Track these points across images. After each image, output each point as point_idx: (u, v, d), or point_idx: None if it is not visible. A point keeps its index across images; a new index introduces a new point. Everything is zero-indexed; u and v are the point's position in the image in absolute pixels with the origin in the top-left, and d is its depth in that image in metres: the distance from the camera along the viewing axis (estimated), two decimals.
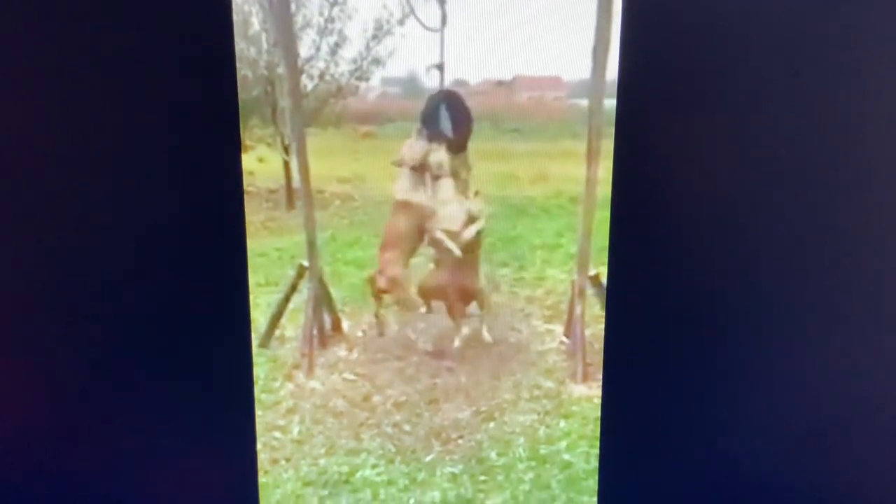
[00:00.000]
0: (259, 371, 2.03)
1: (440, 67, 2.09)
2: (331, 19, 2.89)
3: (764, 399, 0.89)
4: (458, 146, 2.15)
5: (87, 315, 0.84)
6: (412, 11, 2.19)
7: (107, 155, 0.80)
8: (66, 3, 0.76)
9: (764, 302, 0.86)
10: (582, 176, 2.08)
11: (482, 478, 1.65)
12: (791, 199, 0.82)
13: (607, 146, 2.07)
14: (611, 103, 2.22)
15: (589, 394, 1.95)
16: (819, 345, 0.86)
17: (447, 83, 2.17)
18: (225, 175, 0.83)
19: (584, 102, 2.25)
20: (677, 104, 0.82)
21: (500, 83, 2.83)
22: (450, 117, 2.11)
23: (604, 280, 2.14)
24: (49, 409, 0.88)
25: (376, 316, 2.19)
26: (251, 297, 0.90)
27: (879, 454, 0.88)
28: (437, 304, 2.21)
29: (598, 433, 1.77)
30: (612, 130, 0.87)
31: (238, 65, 0.85)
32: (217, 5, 0.79)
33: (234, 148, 0.83)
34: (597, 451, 1.70)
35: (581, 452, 1.71)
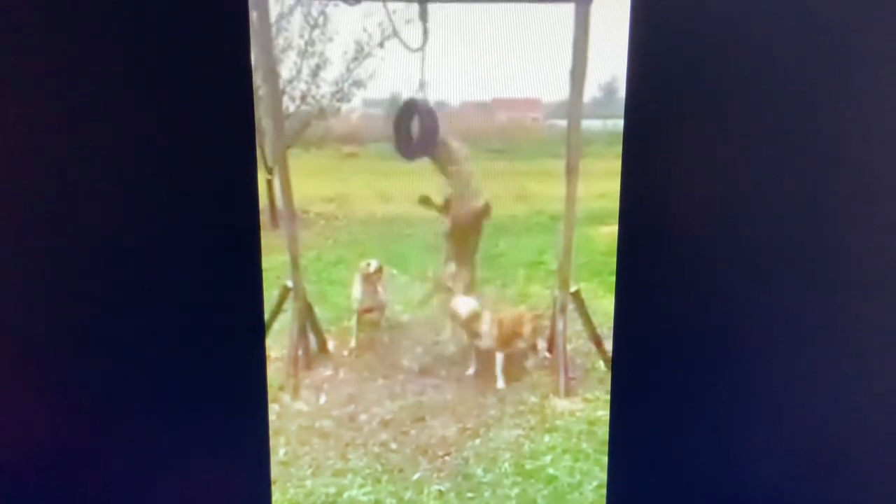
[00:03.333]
0: None
1: (422, 84, 2.16)
2: (311, 42, 2.93)
3: (777, 418, 0.88)
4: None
5: (104, 332, 0.85)
6: (395, 33, 2.25)
7: (124, 173, 0.81)
8: (97, 35, 0.78)
9: (776, 319, 0.85)
10: (562, 194, 2.13)
11: (469, 494, 1.66)
12: (800, 214, 0.82)
13: (585, 165, 2.12)
14: (588, 123, 2.28)
15: (572, 408, 1.98)
16: (836, 362, 0.85)
17: (432, 102, 2.23)
18: (240, 193, 0.84)
19: (563, 123, 2.31)
20: (684, 120, 0.82)
21: (479, 105, 2.88)
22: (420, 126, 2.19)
23: (584, 296, 2.19)
24: (63, 434, 0.88)
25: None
26: None
27: None
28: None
29: (581, 446, 1.80)
30: (591, 150, 0.88)
31: None
32: (234, 27, 0.80)
33: (250, 167, 0.84)
34: (581, 464, 1.73)
35: (565, 466, 1.73)
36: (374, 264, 2.32)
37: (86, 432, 0.89)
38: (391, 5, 2.21)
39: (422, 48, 2.11)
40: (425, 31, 2.09)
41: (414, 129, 2.20)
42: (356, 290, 2.35)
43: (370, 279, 2.32)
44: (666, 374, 0.92)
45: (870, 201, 0.82)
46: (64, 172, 0.82)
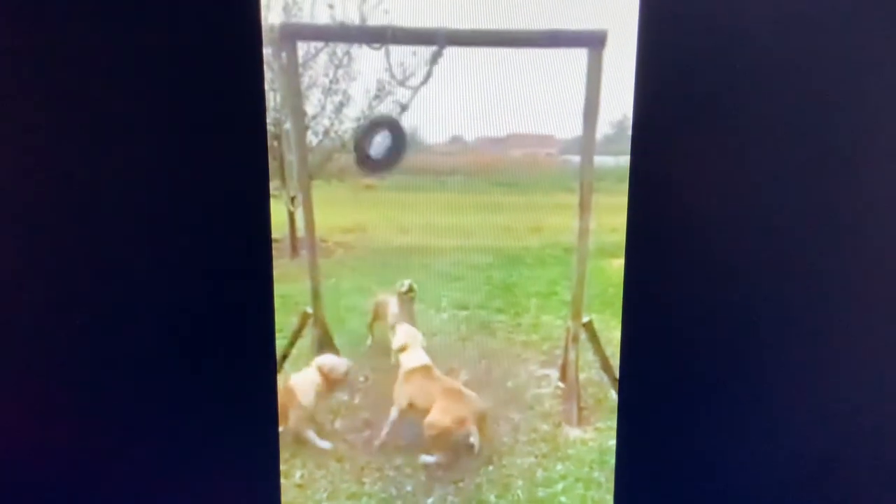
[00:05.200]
0: None
1: (403, 108, 2.28)
2: (335, 80, 3.07)
3: (787, 447, 0.88)
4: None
5: (112, 354, 0.87)
6: (393, 77, 2.37)
7: (137, 202, 0.84)
8: (111, 70, 0.82)
9: (785, 348, 0.86)
10: (574, 227, 2.19)
11: None
12: (809, 241, 0.83)
13: (597, 199, 2.19)
14: (600, 160, 2.36)
15: (584, 437, 1.99)
16: (855, 389, 0.85)
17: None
18: (253, 224, 0.88)
19: (576, 158, 2.39)
20: (689, 154, 0.85)
21: (495, 140, 2.98)
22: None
23: (597, 327, 2.22)
24: (70, 458, 0.89)
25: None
26: None
27: None
28: None
29: (593, 475, 1.81)
30: (603, 185, 0.91)
31: None
32: (248, 59, 0.85)
33: (263, 198, 0.88)
34: (592, 493, 1.74)
35: (577, 494, 1.74)
36: (406, 284, 2.38)
37: (93, 455, 0.90)
38: (407, 47, 2.33)
39: (419, 87, 2.23)
40: (429, 74, 2.21)
41: (378, 144, 2.28)
42: (392, 309, 2.41)
43: (404, 299, 2.37)
44: (672, 402, 0.92)
45: (883, 223, 0.83)
46: (74, 204, 0.83)
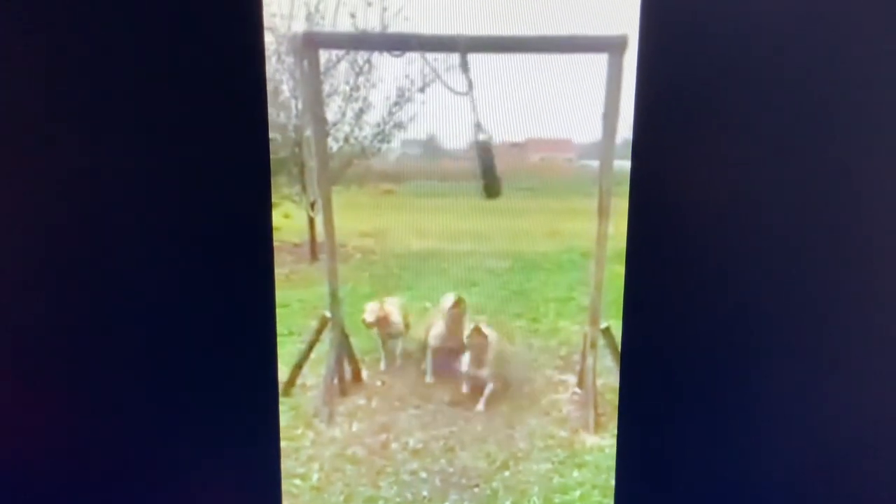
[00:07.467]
0: (281, 419, 2.06)
1: (478, 126, 2.28)
2: (356, 87, 3.11)
3: (790, 452, 0.88)
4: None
5: (116, 360, 0.88)
6: (438, 77, 2.39)
7: (141, 209, 0.85)
8: (111, 73, 0.82)
9: (781, 355, 0.86)
10: (593, 232, 2.18)
11: None
12: (805, 244, 0.83)
13: (616, 204, 2.17)
14: (620, 164, 2.34)
15: (601, 444, 1.97)
16: (846, 393, 0.85)
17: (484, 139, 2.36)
18: (256, 230, 0.88)
19: (594, 163, 2.38)
20: (689, 162, 0.85)
21: (514, 145, 2.98)
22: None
23: (615, 332, 2.20)
24: (76, 458, 0.89)
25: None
26: None
27: None
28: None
29: (611, 482, 1.79)
30: (623, 189, 0.90)
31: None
32: (251, 74, 0.85)
33: (265, 204, 0.88)
34: (609, 500, 1.72)
35: (594, 502, 1.73)
36: (449, 300, 2.39)
37: (93, 457, 0.91)
38: (432, 54, 2.35)
39: (468, 93, 2.24)
40: (469, 81, 2.22)
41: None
42: (437, 327, 2.43)
43: (454, 317, 2.39)
44: (673, 408, 0.91)
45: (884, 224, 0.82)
46: (77, 209, 0.84)
